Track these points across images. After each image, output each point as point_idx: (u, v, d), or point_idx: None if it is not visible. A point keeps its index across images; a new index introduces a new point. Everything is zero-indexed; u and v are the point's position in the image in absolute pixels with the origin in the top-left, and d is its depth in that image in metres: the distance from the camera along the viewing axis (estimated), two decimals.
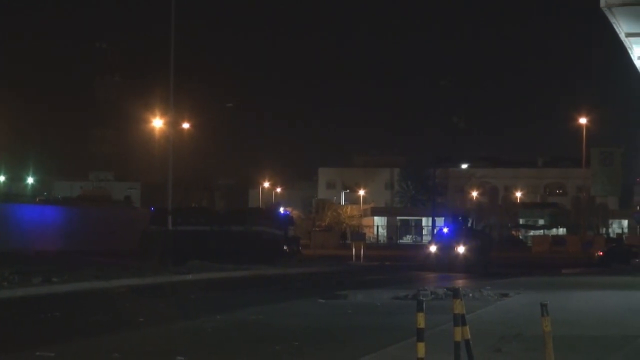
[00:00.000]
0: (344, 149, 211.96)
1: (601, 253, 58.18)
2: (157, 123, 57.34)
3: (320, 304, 24.59)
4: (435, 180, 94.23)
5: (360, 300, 25.34)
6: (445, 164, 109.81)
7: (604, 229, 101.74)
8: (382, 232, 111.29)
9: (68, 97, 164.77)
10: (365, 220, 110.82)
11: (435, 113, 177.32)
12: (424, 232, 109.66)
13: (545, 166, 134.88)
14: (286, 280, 36.70)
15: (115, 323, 20.41)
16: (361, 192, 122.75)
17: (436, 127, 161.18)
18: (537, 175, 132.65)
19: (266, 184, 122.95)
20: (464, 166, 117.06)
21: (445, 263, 48.18)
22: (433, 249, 51.04)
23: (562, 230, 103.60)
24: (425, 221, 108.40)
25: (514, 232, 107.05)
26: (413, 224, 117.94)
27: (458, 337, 12.06)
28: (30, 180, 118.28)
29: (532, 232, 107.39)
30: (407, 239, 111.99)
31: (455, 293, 12.34)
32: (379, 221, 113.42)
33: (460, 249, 49.72)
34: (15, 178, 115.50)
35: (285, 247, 52.93)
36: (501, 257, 60.01)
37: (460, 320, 12.01)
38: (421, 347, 11.51)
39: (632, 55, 22.54)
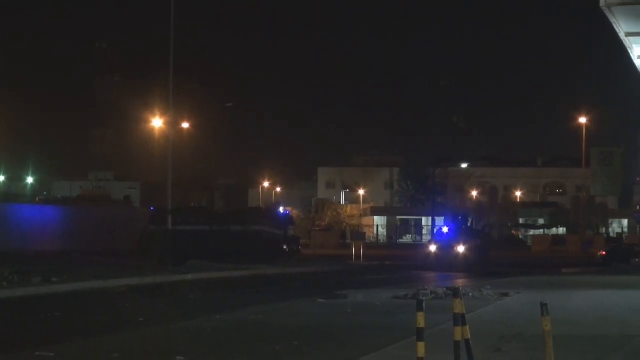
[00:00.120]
0: (344, 149, 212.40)
1: (604, 252, 58.13)
2: (157, 123, 57.29)
3: (320, 303, 24.58)
4: (435, 180, 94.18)
5: (360, 300, 25.33)
6: (445, 164, 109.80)
7: (604, 229, 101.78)
8: (382, 231, 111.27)
9: (68, 97, 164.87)
10: (365, 220, 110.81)
11: (435, 113, 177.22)
12: (424, 231, 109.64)
13: (545, 166, 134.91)
14: (286, 279, 36.68)
15: (115, 323, 20.40)
16: (361, 192, 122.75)
17: (436, 127, 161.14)
18: (536, 175, 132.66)
19: (266, 184, 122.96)
20: (464, 166, 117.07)
21: (445, 262, 48.20)
22: (433, 248, 51.06)
23: (562, 230, 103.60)
24: (425, 221, 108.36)
25: (513, 232, 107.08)
26: (413, 223, 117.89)
27: (458, 337, 12.05)
28: (30, 180, 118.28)
29: (532, 232, 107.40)
30: (407, 239, 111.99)
31: (455, 292, 12.33)
32: (379, 221, 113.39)
33: (460, 249, 49.74)
34: (15, 178, 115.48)
35: (285, 247, 52.96)
36: (501, 256, 59.98)
37: (460, 320, 12.00)
38: (421, 347, 11.49)
39: (632, 55, 22.53)
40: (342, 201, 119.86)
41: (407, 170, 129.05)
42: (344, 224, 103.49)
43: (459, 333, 12.03)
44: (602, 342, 16.32)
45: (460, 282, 36.44)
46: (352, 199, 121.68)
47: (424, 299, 14.59)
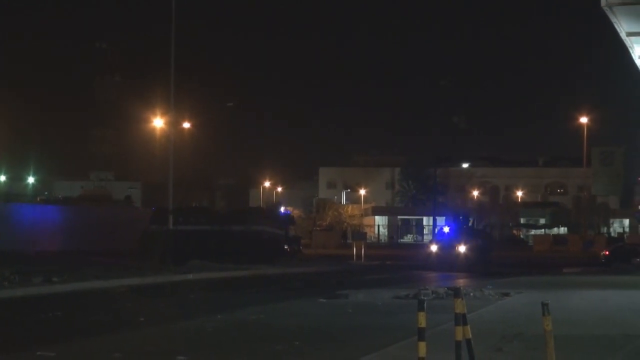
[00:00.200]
0: (344, 149, 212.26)
1: (607, 252, 58.06)
2: (158, 123, 57.31)
3: (320, 303, 24.58)
4: (436, 180, 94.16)
5: (361, 300, 25.32)
6: (445, 164, 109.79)
7: (605, 229, 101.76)
8: (383, 231, 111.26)
9: (68, 97, 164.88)
10: (366, 220, 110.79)
11: (435, 113, 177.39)
12: (425, 231, 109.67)
13: (546, 166, 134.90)
14: (287, 279, 36.68)
15: (116, 323, 20.40)
16: (362, 192, 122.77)
17: (436, 127, 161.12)
18: (537, 175, 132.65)
19: (267, 184, 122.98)
20: (465, 166, 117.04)
21: (446, 262, 48.18)
22: (434, 248, 51.03)
23: (563, 230, 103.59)
24: (426, 220, 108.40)
25: (515, 232, 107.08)
26: (414, 223, 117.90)
27: (459, 337, 12.04)
28: (31, 180, 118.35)
29: (533, 232, 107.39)
30: (408, 239, 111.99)
31: (456, 292, 12.32)
32: (380, 221, 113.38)
33: (461, 249, 49.72)
34: (16, 178, 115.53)
35: (286, 247, 52.94)
36: (502, 256, 59.99)
37: (461, 320, 11.99)
38: (422, 347, 11.48)
39: (632, 55, 22.49)
40: (343, 201, 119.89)
41: (408, 170, 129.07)
42: (345, 223, 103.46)
43: (460, 333, 12.02)
44: (604, 342, 16.31)
45: (461, 282, 36.43)
46: (353, 199, 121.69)
47: (425, 298, 14.57)
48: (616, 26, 19.73)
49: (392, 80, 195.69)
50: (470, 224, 56.18)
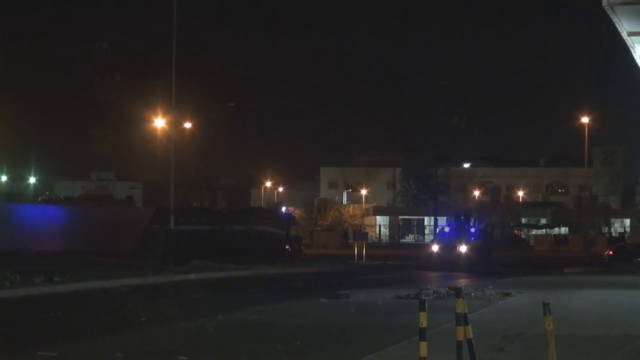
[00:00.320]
0: (344, 149, 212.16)
1: (610, 252, 57.98)
2: (159, 123, 57.29)
3: (322, 303, 24.59)
4: (437, 180, 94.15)
5: (362, 300, 25.32)
6: (446, 164, 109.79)
7: (606, 228, 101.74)
8: (384, 231, 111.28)
9: (68, 97, 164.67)
10: (368, 220, 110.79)
11: (435, 113, 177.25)
12: (426, 231, 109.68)
13: (547, 165, 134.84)
14: (288, 279, 36.67)
15: (117, 323, 20.40)
16: (363, 192, 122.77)
17: (436, 127, 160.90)
18: (538, 175, 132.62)
19: (268, 184, 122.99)
20: (466, 165, 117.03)
21: (448, 262, 48.15)
22: (435, 248, 51.01)
23: (564, 230, 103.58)
24: (427, 220, 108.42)
25: (516, 231, 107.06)
26: (415, 223, 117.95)
27: (460, 337, 12.04)
28: (32, 180, 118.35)
29: (534, 232, 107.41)
30: (409, 239, 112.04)
31: (457, 292, 12.33)
32: (381, 220, 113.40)
33: (463, 249, 49.71)
34: (17, 178, 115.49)
35: (287, 247, 52.94)
36: (503, 256, 59.99)
37: (462, 320, 11.99)
38: (423, 347, 11.49)
39: (634, 55, 22.51)
40: (345, 201, 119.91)
41: (410, 170, 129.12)
42: (346, 223, 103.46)
43: (461, 333, 12.02)
44: (605, 342, 16.31)
45: (462, 282, 36.42)
46: (355, 199, 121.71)
47: (426, 298, 14.58)
48: (617, 26, 19.73)
49: (392, 80, 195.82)
50: (471, 224, 56.05)
